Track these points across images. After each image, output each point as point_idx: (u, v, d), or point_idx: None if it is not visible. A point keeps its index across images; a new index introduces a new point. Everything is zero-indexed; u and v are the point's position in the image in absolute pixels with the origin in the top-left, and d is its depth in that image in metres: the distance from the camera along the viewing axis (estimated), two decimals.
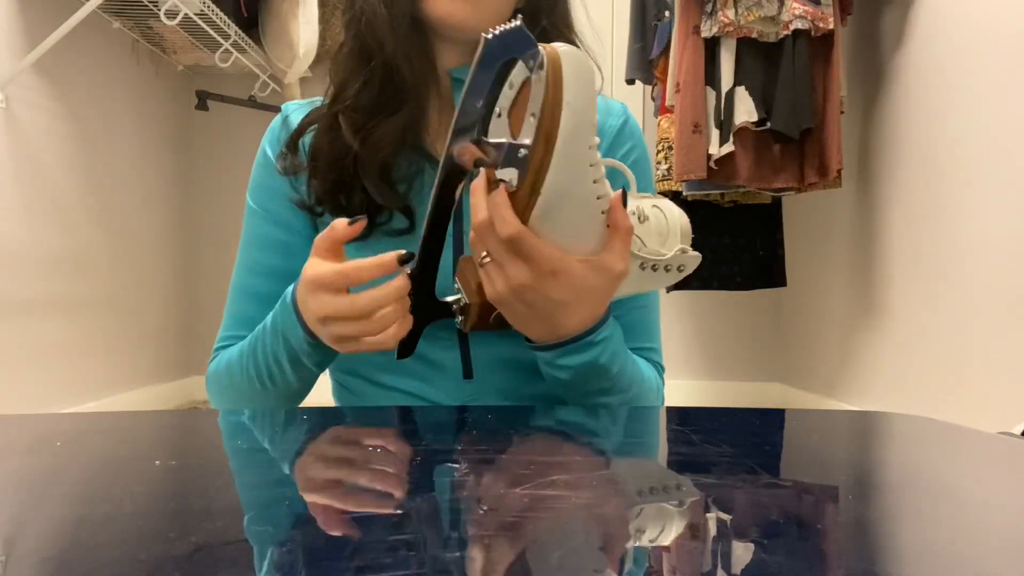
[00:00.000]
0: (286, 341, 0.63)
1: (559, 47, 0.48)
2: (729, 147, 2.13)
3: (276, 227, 0.74)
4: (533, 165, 0.49)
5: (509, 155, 0.50)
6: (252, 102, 2.92)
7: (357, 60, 0.69)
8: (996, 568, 0.27)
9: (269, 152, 0.75)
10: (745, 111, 2.12)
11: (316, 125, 0.72)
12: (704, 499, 0.36)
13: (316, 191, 0.70)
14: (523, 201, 0.51)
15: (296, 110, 0.77)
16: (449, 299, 0.59)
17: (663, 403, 0.73)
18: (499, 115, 0.51)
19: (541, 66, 0.48)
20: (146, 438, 0.51)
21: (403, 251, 0.54)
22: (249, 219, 0.76)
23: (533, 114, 0.48)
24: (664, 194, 2.51)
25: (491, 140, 0.51)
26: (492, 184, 0.53)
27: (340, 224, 0.57)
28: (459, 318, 0.59)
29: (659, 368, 0.77)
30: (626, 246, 0.55)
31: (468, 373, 0.71)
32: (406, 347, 0.59)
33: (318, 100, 0.75)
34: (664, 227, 0.59)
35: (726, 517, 0.33)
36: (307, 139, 0.73)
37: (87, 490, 0.36)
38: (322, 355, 0.63)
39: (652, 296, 0.77)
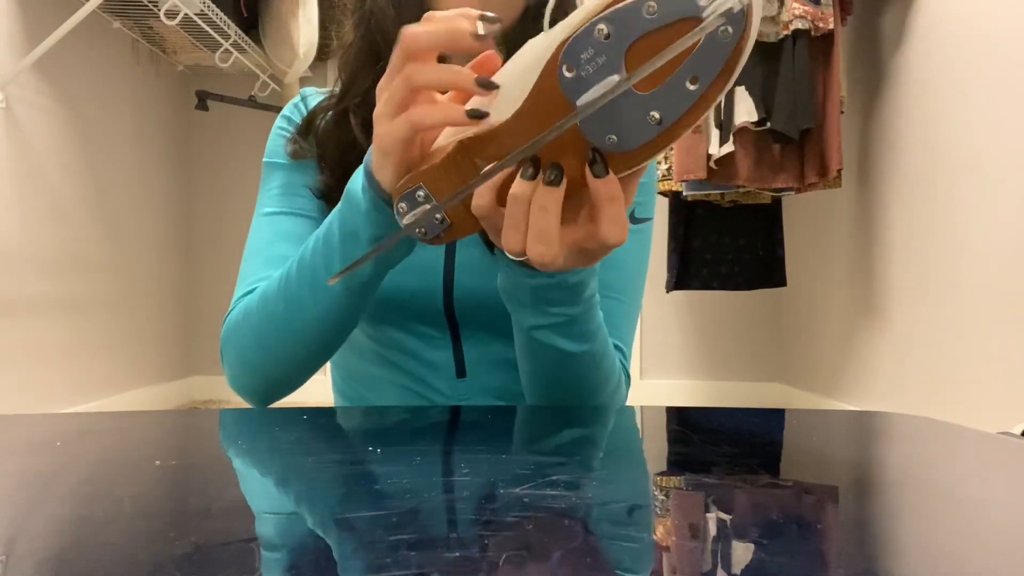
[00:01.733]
0: (346, 203, 0.54)
1: None
2: (729, 147, 2.13)
3: (301, 174, 0.72)
4: (664, 140, 0.40)
5: (627, 115, 0.39)
6: (252, 102, 2.92)
7: (366, 58, 0.69)
8: (996, 568, 0.27)
9: (287, 124, 0.75)
10: (745, 111, 2.12)
11: (324, 116, 0.71)
12: (704, 499, 0.36)
13: (323, 184, 0.70)
14: (615, 167, 0.41)
15: (313, 95, 0.77)
16: (407, 216, 0.46)
17: (624, 395, 0.69)
18: (605, 36, 0.37)
19: (733, 23, 0.35)
20: (146, 438, 0.51)
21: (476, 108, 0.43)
22: (268, 173, 0.74)
23: (695, 78, 0.37)
24: (664, 194, 2.52)
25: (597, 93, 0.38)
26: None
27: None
28: (421, 232, 0.47)
29: (624, 368, 0.69)
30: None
31: (461, 372, 0.72)
32: None
33: (337, 90, 0.73)
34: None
35: (726, 517, 0.33)
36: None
37: (87, 490, 0.36)
38: (381, 226, 0.52)
39: (631, 292, 0.73)
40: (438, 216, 0.46)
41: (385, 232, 0.52)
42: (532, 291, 0.53)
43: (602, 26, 0.37)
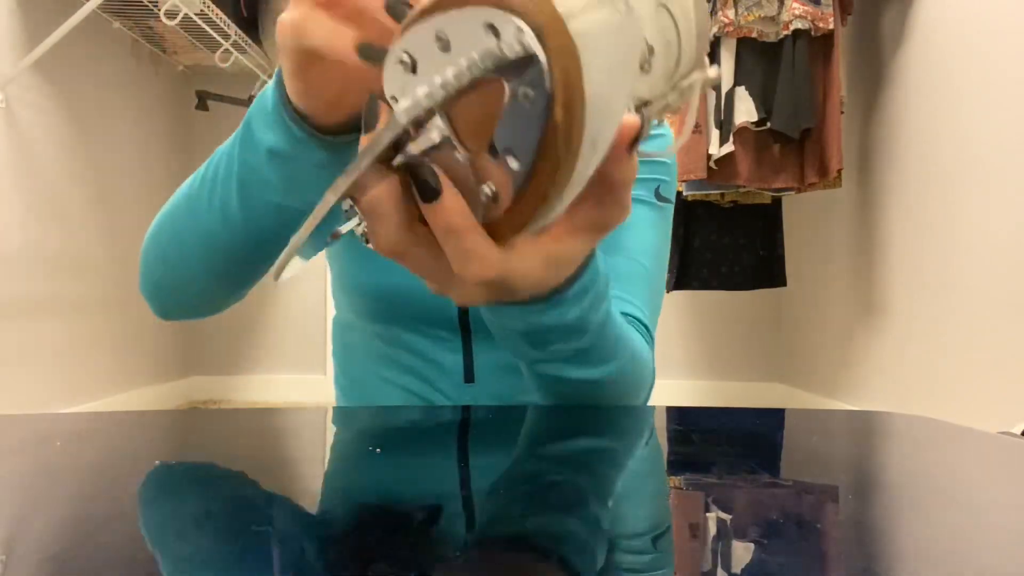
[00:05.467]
0: (259, 98, 0.47)
1: (578, 27, 0.25)
2: (729, 147, 2.13)
3: None
4: (538, 185, 0.28)
5: (463, 178, 0.30)
6: (252, 102, 2.92)
7: None
8: (996, 568, 0.27)
9: None
10: (745, 111, 2.12)
11: None
12: (704, 499, 0.36)
13: None
14: (515, 215, 0.30)
15: None
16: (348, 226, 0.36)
17: (652, 383, 0.64)
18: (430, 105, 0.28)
19: (533, 85, 0.25)
20: (146, 438, 0.51)
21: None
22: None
23: (513, 153, 0.27)
24: None
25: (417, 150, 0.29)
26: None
27: None
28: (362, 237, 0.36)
29: (644, 333, 0.63)
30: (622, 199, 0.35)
31: (469, 376, 0.71)
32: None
33: None
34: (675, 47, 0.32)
35: (726, 517, 0.33)
36: None
37: (87, 490, 0.36)
38: (280, 136, 0.44)
39: (652, 258, 0.68)
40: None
41: (284, 147, 0.44)
42: (523, 336, 0.44)
43: (404, 56, 0.28)
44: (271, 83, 0.45)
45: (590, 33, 0.25)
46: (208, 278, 0.57)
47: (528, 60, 0.25)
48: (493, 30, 0.25)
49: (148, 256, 0.60)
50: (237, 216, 0.50)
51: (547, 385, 0.51)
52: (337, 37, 0.34)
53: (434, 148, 0.29)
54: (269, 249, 0.53)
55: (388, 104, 0.30)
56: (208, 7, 2.32)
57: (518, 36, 0.25)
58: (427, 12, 0.27)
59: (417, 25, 0.27)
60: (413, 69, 0.28)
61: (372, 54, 0.33)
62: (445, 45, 0.27)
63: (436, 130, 0.29)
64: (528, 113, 0.26)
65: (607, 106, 0.27)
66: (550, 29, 0.24)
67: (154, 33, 2.67)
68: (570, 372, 0.49)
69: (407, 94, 0.28)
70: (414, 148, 0.29)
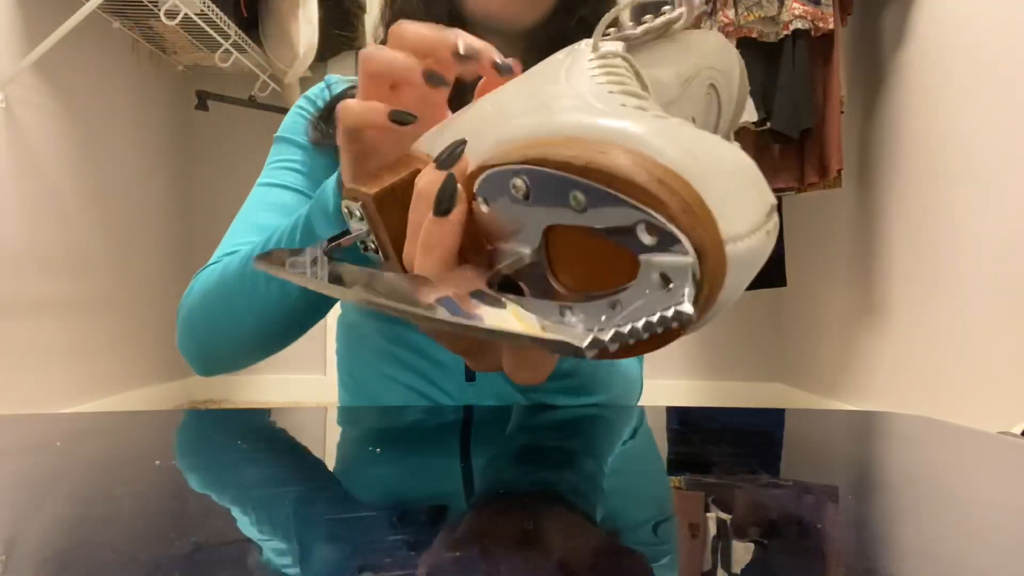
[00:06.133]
0: (317, 196, 0.50)
1: (734, 251, 0.24)
2: None
3: (304, 153, 0.72)
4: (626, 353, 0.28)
5: (538, 307, 0.28)
6: (252, 102, 2.92)
7: None
8: (996, 568, 0.27)
9: (309, 106, 0.75)
10: (745, 111, 2.12)
11: None
12: (704, 499, 0.36)
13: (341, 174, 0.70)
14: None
15: (338, 83, 0.76)
16: (352, 238, 0.38)
17: (640, 396, 0.69)
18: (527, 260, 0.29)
19: (678, 286, 0.24)
20: (146, 438, 0.51)
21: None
22: (277, 147, 0.74)
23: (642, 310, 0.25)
24: None
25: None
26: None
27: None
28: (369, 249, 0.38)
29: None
30: None
31: (471, 375, 0.71)
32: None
33: None
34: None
35: (726, 517, 0.33)
36: None
37: (87, 490, 0.36)
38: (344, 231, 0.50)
39: None
40: (372, 244, 0.36)
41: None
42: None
43: (518, 181, 0.28)
44: (330, 182, 0.49)
45: (742, 260, 0.25)
46: (256, 343, 0.62)
47: (679, 269, 0.24)
48: (648, 228, 0.25)
49: (193, 321, 0.64)
50: (295, 294, 0.56)
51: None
52: (370, 111, 0.37)
53: (522, 267, 0.29)
54: (316, 317, 0.60)
55: (474, 199, 0.30)
56: (208, 7, 2.32)
57: (683, 263, 0.24)
58: (575, 169, 0.26)
59: (555, 170, 0.26)
60: (525, 197, 0.28)
61: (401, 117, 0.36)
62: (581, 206, 0.26)
63: (530, 252, 0.29)
64: (654, 303, 0.24)
65: (727, 306, 0.26)
66: (711, 253, 0.24)
67: (154, 33, 2.67)
68: (558, 401, 0.54)
69: (576, 325, 0.26)
70: (505, 269, 0.30)
